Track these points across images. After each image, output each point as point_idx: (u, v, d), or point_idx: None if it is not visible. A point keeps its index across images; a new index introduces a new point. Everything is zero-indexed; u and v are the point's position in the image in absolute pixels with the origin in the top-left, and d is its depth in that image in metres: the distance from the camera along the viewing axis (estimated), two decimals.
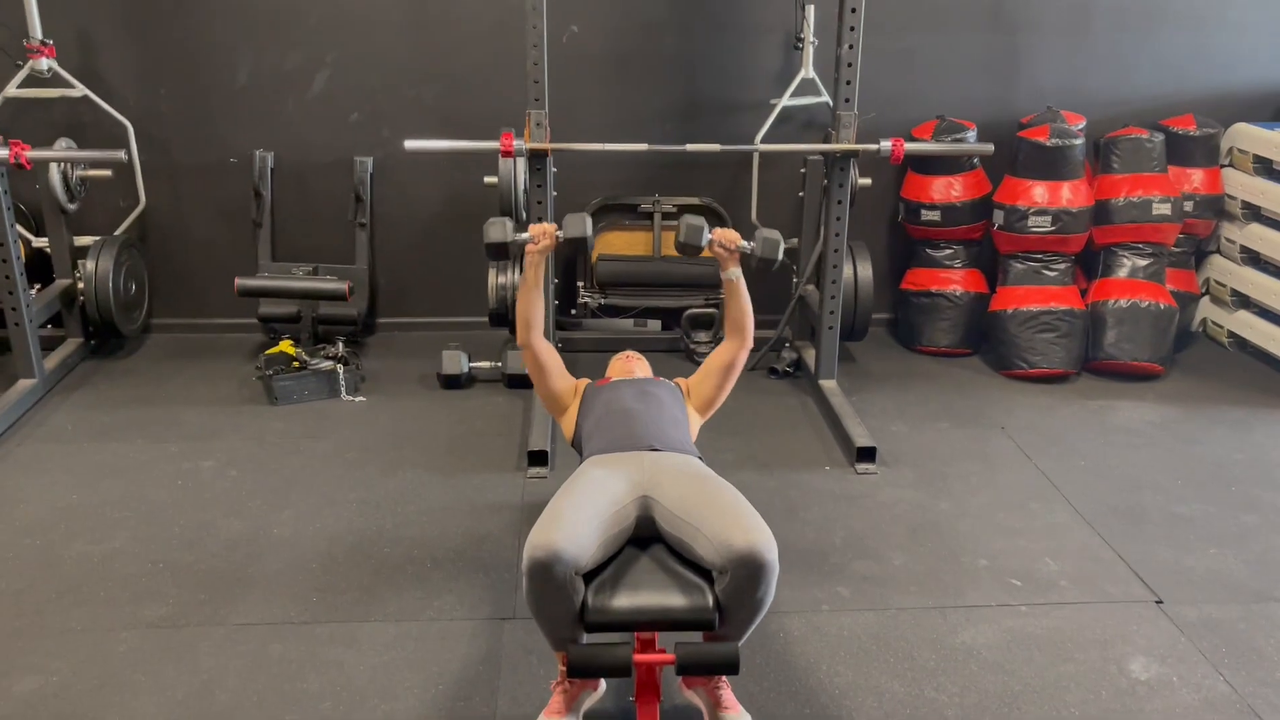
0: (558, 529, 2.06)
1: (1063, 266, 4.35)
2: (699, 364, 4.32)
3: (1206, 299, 4.76)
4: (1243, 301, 4.58)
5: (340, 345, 4.21)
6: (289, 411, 3.93)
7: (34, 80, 4.13)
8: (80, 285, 4.23)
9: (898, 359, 4.59)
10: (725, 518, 2.12)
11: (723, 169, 4.60)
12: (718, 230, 2.61)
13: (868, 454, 3.53)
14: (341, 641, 2.61)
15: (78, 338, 4.37)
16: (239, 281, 4.22)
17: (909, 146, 3.78)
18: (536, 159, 3.68)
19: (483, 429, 3.82)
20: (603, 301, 4.63)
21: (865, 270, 4.27)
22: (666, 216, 4.61)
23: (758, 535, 2.06)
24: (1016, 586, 2.89)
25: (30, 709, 2.37)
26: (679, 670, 2.10)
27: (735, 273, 2.63)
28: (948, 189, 4.42)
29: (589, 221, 2.63)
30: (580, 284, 4.64)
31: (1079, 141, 4.26)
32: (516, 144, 3.61)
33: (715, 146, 3.79)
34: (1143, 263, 4.36)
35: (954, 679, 2.51)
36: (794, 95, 4.31)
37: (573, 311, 4.68)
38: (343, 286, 4.24)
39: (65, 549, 3.00)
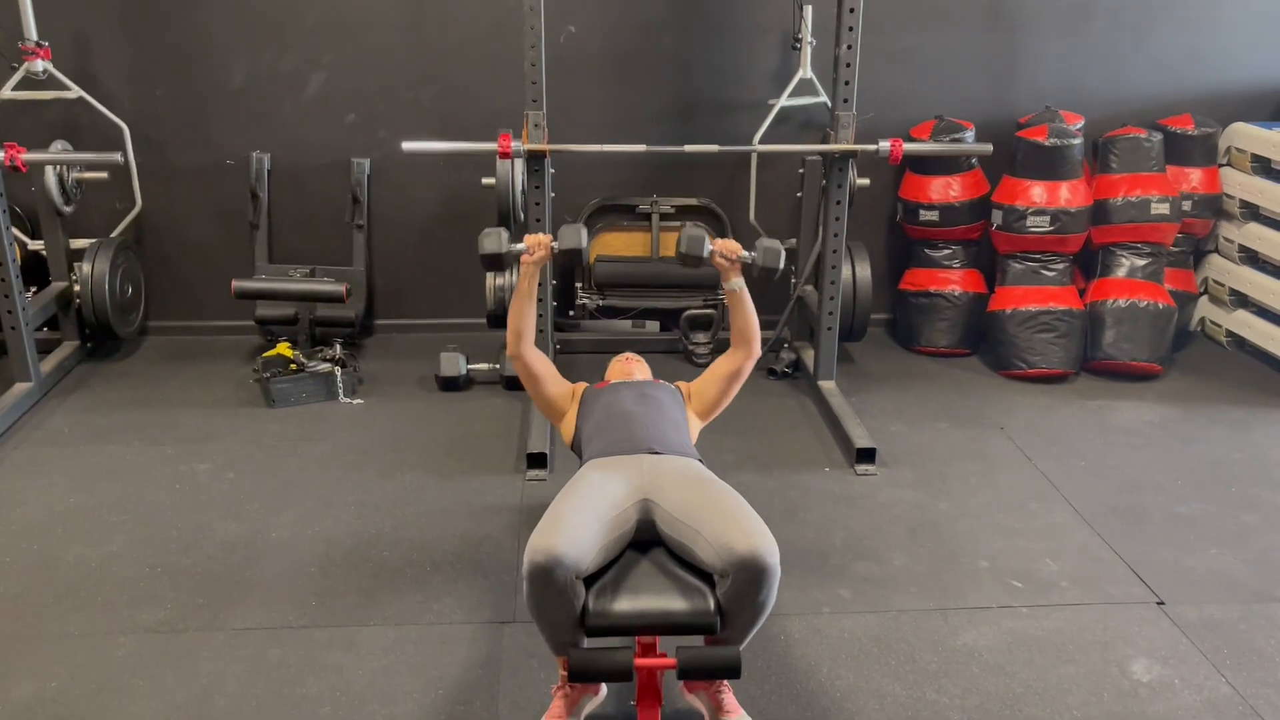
0: (558, 533, 2.05)
1: (1061, 266, 4.35)
2: (697, 365, 4.39)
3: (1205, 298, 4.76)
4: (1241, 301, 4.58)
5: (338, 347, 4.19)
6: (286, 414, 3.92)
7: (29, 82, 4.11)
8: (76, 288, 4.22)
9: (896, 359, 4.58)
10: (726, 521, 2.12)
11: (721, 169, 4.59)
12: (718, 240, 2.61)
13: (867, 455, 3.52)
14: (340, 646, 2.60)
15: (74, 340, 4.36)
16: (236, 284, 4.21)
17: (908, 147, 3.78)
18: (534, 160, 3.67)
19: (481, 431, 3.81)
20: (601, 303, 4.62)
21: (864, 271, 4.26)
22: (665, 217, 4.60)
23: (759, 539, 2.05)
24: (1017, 588, 2.88)
25: (28, 714, 2.35)
26: (680, 674, 2.09)
27: (738, 282, 2.62)
28: (946, 189, 4.41)
29: (584, 233, 2.62)
30: (578, 285, 4.63)
31: (1077, 141, 4.26)
32: (514, 145, 3.60)
33: (713, 147, 3.78)
34: (1141, 262, 4.36)
35: (956, 681, 2.50)
36: (792, 95, 4.30)
37: (571, 313, 4.67)
38: (340, 288, 4.23)
39: (63, 552, 2.99)
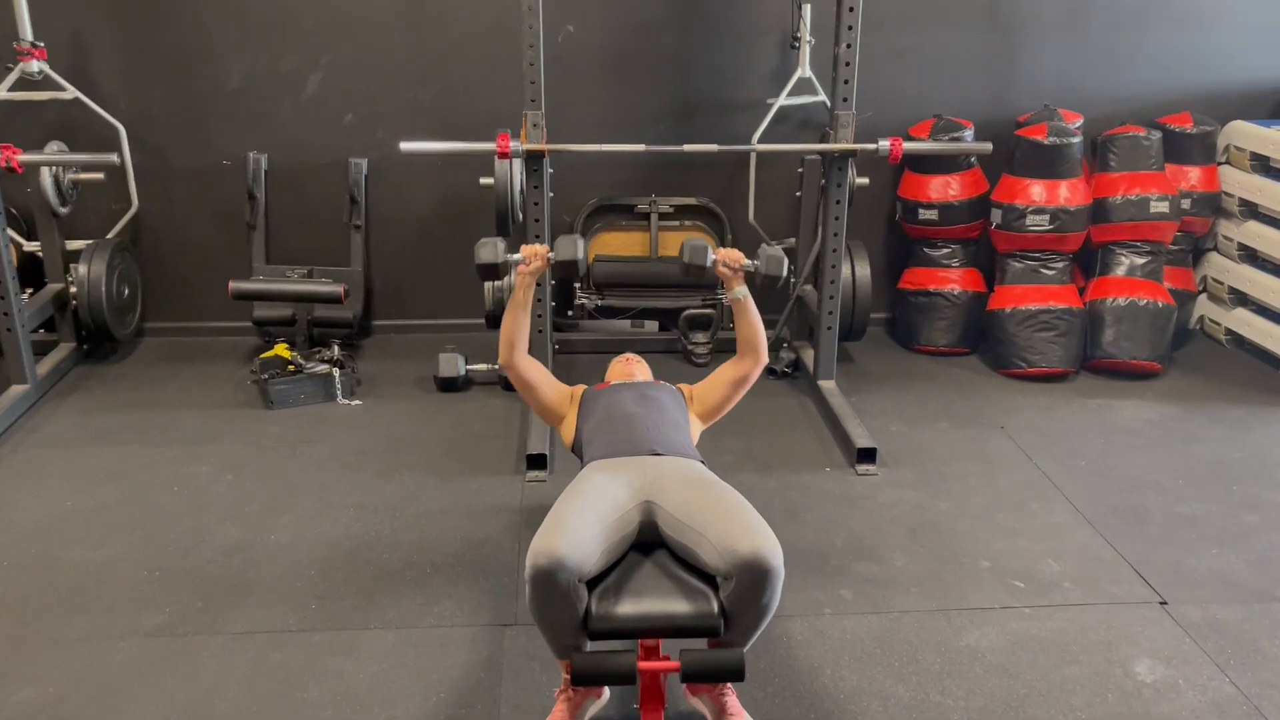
0: (561, 536, 2.04)
1: (1060, 265, 4.34)
2: (697, 365, 4.38)
3: (1204, 296, 4.76)
4: (1240, 299, 4.58)
5: (336, 348, 4.18)
6: (285, 415, 3.90)
7: (25, 83, 4.09)
8: (73, 289, 4.20)
9: (896, 359, 4.58)
10: (729, 523, 2.11)
11: (720, 169, 4.59)
12: (721, 250, 2.60)
13: (868, 455, 3.52)
14: (341, 649, 2.59)
15: (70, 342, 4.34)
16: (233, 285, 4.19)
17: (907, 146, 3.77)
18: (533, 160, 3.66)
19: (480, 432, 3.80)
20: (600, 303, 4.61)
21: (863, 270, 4.26)
22: (664, 217, 4.59)
23: (763, 541, 2.04)
24: (1019, 588, 2.88)
25: (29, 718, 2.34)
26: (684, 677, 2.08)
27: (742, 291, 2.61)
28: (945, 188, 4.41)
29: (581, 244, 2.62)
30: (577, 285, 4.62)
31: (1076, 140, 4.25)
32: (513, 145, 3.59)
33: (712, 147, 3.77)
34: (1140, 261, 4.35)
35: (959, 682, 2.50)
36: (791, 94, 4.30)
37: (569, 313, 4.66)
38: (338, 289, 4.22)
39: (63, 555, 2.98)
